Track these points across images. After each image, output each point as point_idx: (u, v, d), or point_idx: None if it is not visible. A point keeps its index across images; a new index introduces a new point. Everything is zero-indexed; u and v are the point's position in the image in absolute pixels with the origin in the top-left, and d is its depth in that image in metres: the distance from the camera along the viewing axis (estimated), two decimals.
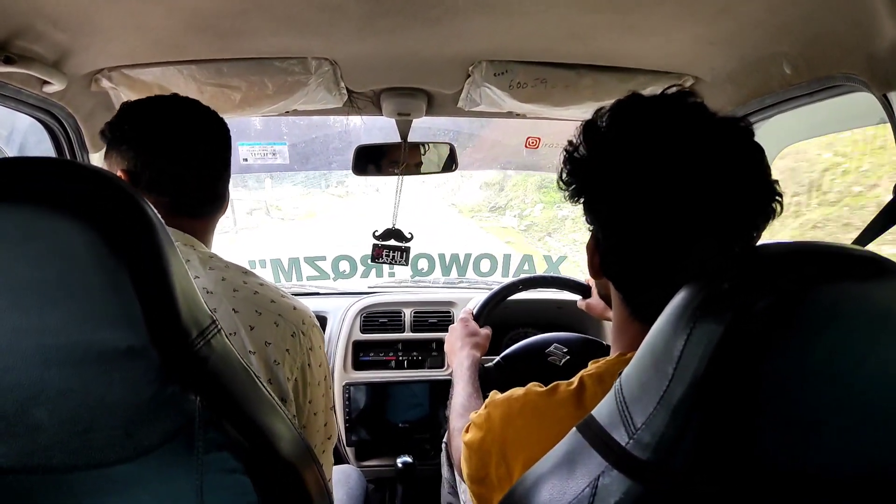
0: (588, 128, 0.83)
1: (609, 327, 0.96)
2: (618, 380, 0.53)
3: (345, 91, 1.64)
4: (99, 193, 0.50)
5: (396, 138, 1.88)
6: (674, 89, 0.82)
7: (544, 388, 0.86)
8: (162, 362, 0.51)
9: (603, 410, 0.53)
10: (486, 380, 1.43)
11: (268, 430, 0.61)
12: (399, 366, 2.24)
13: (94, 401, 0.50)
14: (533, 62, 1.50)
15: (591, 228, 0.88)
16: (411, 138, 1.89)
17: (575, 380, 0.85)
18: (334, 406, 2.13)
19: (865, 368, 0.42)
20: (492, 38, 1.35)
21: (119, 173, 1.03)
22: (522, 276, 1.83)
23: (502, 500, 0.62)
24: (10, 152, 1.64)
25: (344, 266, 3.00)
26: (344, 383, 2.17)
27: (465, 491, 1.43)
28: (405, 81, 1.64)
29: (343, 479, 1.69)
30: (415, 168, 2.01)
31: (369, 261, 2.70)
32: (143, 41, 1.32)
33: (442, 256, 3.04)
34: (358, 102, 1.74)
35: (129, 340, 0.49)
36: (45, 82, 1.30)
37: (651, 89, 1.49)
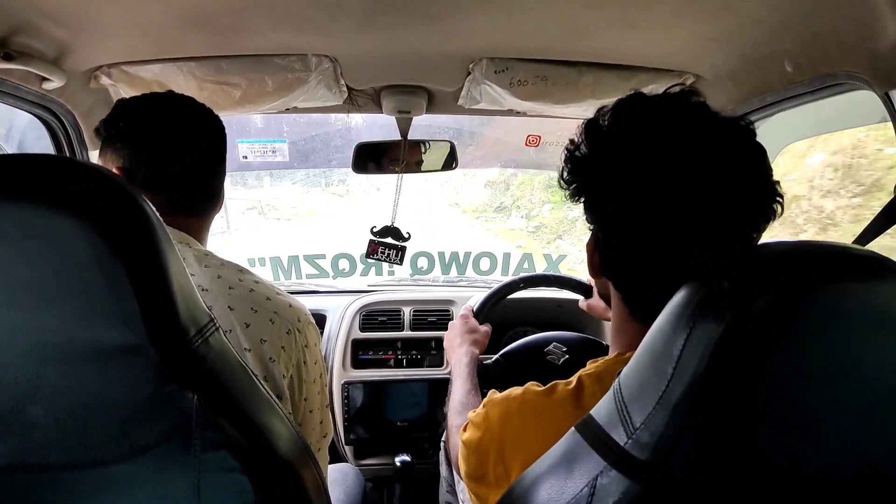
0: (590, 127, 0.83)
1: (609, 327, 0.96)
2: (617, 379, 0.53)
3: (345, 88, 1.64)
4: (98, 191, 0.49)
5: (397, 136, 1.88)
6: (676, 88, 0.81)
7: (542, 388, 0.86)
8: (160, 360, 0.51)
9: (602, 410, 0.53)
10: (485, 377, 1.43)
11: (266, 429, 0.61)
12: (398, 364, 2.24)
13: (91, 399, 0.50)
14: (533, 60, 1.50)
15: (591, 227, 0.88)
16: (412, 136, 1.89)
17: (573, 379, 0.85)
18: (331, 404, 2.14)
19: (864, 368, 0.42)
20: (492, 36, 1.35)
21: (114, 171, 1.03)
22: (523, 274, 1.83)
23: (500, 499, 0.62)
24: (9, 149, 1.64)
25: (343, 264, 3.00)
26: (343, 382, 2.17)
27: (463, 490, 1.43)
28: (405, 79, 1.64)
29: (341, 477, 1.69)
30: (415, 166, 2.01)
31: (364, 257, 2.71)
32: (142, 38, 1.32)
33: (441, 255, 3.04)
34: (358, 100, 1.74)
35: (126, 338, 0.49)
36: (45, 79, 1.29)
37: (652, 87, 1.49)
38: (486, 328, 1.58)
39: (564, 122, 1.90)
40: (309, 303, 2.32)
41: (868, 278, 0.43)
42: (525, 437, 0.83)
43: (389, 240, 2.14)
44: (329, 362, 2.20)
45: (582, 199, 0.86)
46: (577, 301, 1.65)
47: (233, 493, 0.56)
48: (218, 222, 1.21)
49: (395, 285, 2.72)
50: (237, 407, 0.59)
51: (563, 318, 2.25)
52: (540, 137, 2.27)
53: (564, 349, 1.47)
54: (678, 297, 0.48)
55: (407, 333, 2.27)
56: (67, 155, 1.53)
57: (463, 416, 1.16)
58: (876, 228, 1.05)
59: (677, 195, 0.74)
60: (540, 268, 3.33)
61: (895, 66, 0.97)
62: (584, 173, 0.85)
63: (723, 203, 0.74)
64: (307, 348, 1.10)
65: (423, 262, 2.99)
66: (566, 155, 0.86)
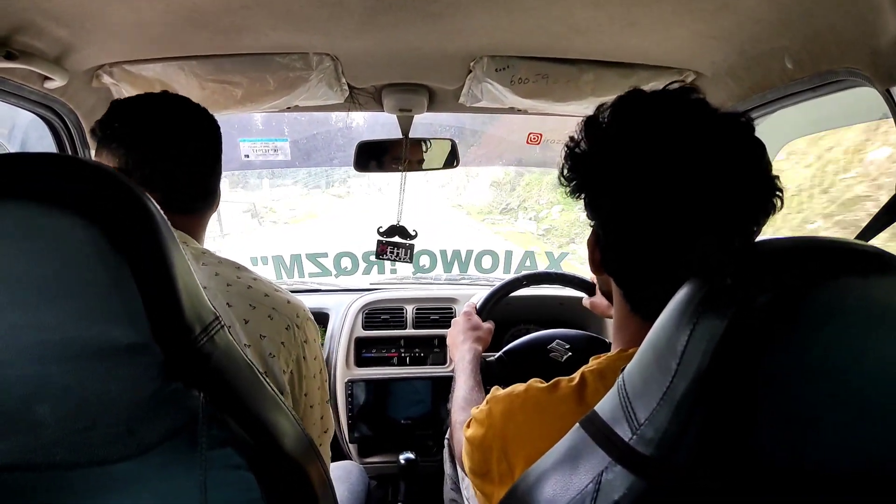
0: (589, 123, 0.84)
1: (611, 324, 0.96)
2: (621, 375, 0.53)
3: (346, 87, 1.64)
4: (101, 190, 0.49)
5: (398, 135, 1.88)
6: (675, 85, 0.82)
7: (545, 385, 0.87)
8: (165, 359, 0.51)
9: (606, 406, 0.53)
10: (488, 374, 1.43)
11: (271, 426, 0.61)
12: (401, 362, 2.24)
13: (96, 397, 0.50)
14: (534, 57, 1.50)
15: (592, 224, 0.88)
16: (413, 135, 1.89)
17: (576, 376, 0.85)
18: (334, 402, 2.14)
19: (865, 364, 0.42)
20: (493, 34, 1.35)
21: None
22: (526, 271, 1.83)
23: (506, 495, 0.62)
24: (12, 148, 1.64)
25: (346, 263, 3.00)
26: (346, 380, 2.17)
27: (467, 487, 1.43)
28: (406, 77, 1.64)
29: (344, 475, 1.69)
30: (416, 164, 2.01)
31: (372, 257, 2.70)
32: (144, 37, 1.32)
33: (444, 253, 3.04)
34: (359, 98, 1.74)
35: (131, 337, 0.49)
36: (47, 78, 1.30)
37: (652, 85, 1.48)
38: (488, 325, 1.59)
39: (570, 119, 1.90)
40: (312, 301, 2.34)
41: (870, 273, 0.43)
42: (528, 433, 0.83)
43: (397, 239, 2.14)
44: (332, 360, 2.20)
45: (582, 196, 0.86)
46: (579, 299, 1.65)
47: (239, 491, 0.56)
48: (210, 226, 1.21)
49: (398, 283, 2.72)
50: (243, 404, 0.59)
51: (566, 315, 2.25)
52: (542, 135, 2.27)
53: (567, 346, 1.47)
54: (681, 294, 0.48)
55: (410, 331, 2.27)
56: (70, 154, 1.53)
57: (466, 412, 1.16)
58: (878, 224, 1.05)
59: (677, 191, 0.75)
60: (542, 265, 3.33)
61: None
62: (584, 170, 0.85)
63: (722, 198, 0.74)
64: (306, 344, 1.11)
65: (425, 261, 3.00)
66: (566, 152, 0.86)
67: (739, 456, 0.43)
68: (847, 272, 0.43)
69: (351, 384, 2.17)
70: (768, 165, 0.78)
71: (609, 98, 0.83)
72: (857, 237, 1.04)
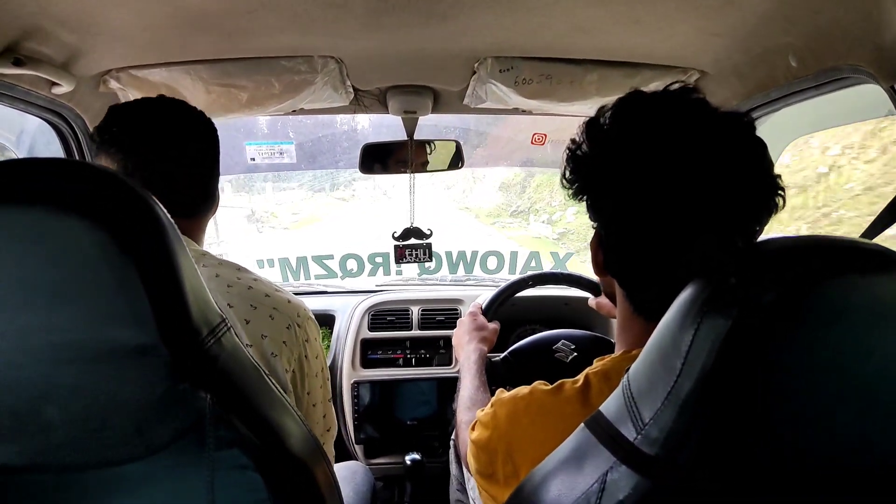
0: (590, 125, 0.84)
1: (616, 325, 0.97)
2: (625, 375, 0.53)
3: (351, 89, 1.64)
4: (108, 193, 0.50)
5: (403, 137, 1.89)
6: (676, 86, 0.82)
7: (550, 387, 0.87)
8: (172, 360, 0.51)
9: (611, 406, 0.53)
10: (493, 374, 1.43)
11: (278, 427, 0.62)
12: (407, 363, 2.25)
13: (106, 399, 0.50)
14: (538, 58, 1.50)
15: (594, 226, 0.89)
16: (418, 136, 1.90)
17: (580, 377, 0.85)
18: (341, 404, 2.14)
19: (871, 361, 0.42)
20: (497, 35, 1.35)
21: None
22: (532, 272, 1.83)
23: (511, 496, 0.62)
24: (20, 154, 1.65)
25: (351, 265, 3.01)
26: (352, 381, 2.18)
27: (473, 487, 1.44)
28: (411, 79, 1.64)
29: (349, 475, 1.70)
30: (421, 166, 2.01)
31: (378, 259, 2.70)
32: (150, 42, 1.33)
33: (449, 254, 3.04)
34: (364, 101, 1.75)
35: (139, 338, 0.50)
36: (54, 84, 1.30)
37: (656, 84, 1.48)
38: (494, 325, 1.59)
39: (575, 119, 1.90)
40: (317, 303, 2.36)
41: (874, 271, 0.43)
42: (533, 436, 0.83)
43: (413, 241, 2.14)
44: (338, 362, 2.21)
45: (584, 198, 0.87)
46: (584, 299, 1.64)
47: (246, 491, 0.56)
48: (207, 233, 1.22)
49: (403, 285, 2.73)
50: (249, 405, 0.60)
51: (572, 316, 2.25)
52: (546, 136, 2.27)
53: (573, 347, 1.47)
54: (685, 294, 0.48)
55: (415, 333, 2.28)
56: (77, 158, 1.54)
57: (472, 412, 1.16)
58: (883, 222, 1.05)
59: (678, 191, 0.75)
60: (547, 266, 3.33)
61: None
62: (586, 172, 0.85)
63: (724, 198, 0.74)
64: (308, 343, 1.11)
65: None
66: (568, 154, 0.86)
67: (745, 455, 0.43)
68: (851, 270, 0.43)
69: (357, 385, 2.17)
70: (769, 164, 0.78)
71: (613, 98, 0.83)
72: (862, 235, 1.04)
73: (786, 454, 0.43)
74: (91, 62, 1.36)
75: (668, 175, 0.75)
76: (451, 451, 1.73)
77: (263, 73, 1.50)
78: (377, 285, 2.68)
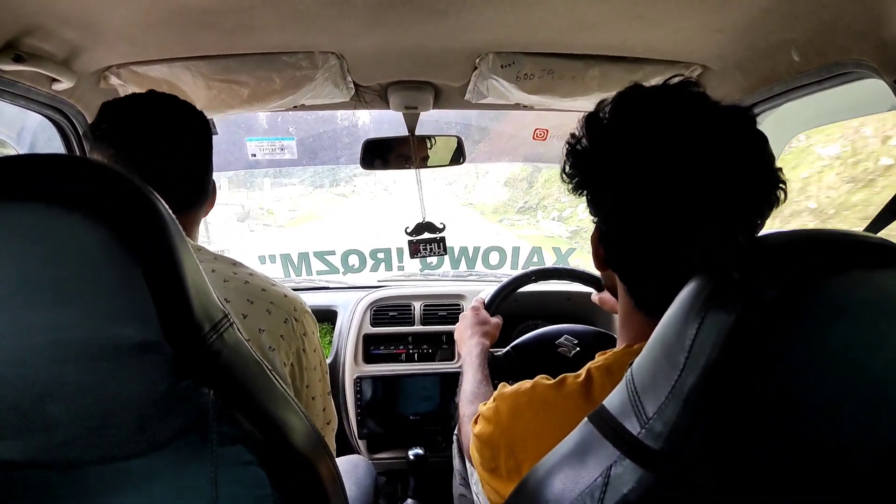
0: (590, 120, 0.84)
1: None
2: (629, 370, 0.53)
3: (352, 85, 1.64)
4: (110, 190, 0.50)
5: (404, 132, 1.89)
6: (676, 79, 0.81)
7: (552, 381, 0.87)
8: (175, 357, 0.52)
9: (614, 401, 0.53)
10: (496, 368, 1.44)
11: (281, 423, 0.62)
12: (409, 359, 2.25)
13: (109, 396, 0.50)
14: (540, 53, 1.50)
15: (595, 220, 0.88)
16: (419, 132, 1.90)
17: (582, 372, 0.85)
18: (343, 399, 2.15)
19: (879, 356, 0.42)
20: (499, 30, 1.35)
21: None
22: (535, 267, 1.83)
23: (515, 490, 0.62)
24: (21, 150, 1.65)
25: (353, 260, 3.02)
26: (355, 377, 2.18)
27: (476, 482, 1.44)
28: (412, 75, 1.64)
29: (351, 469, 1.70)
30: (422, 161, 2.01)
31: (380, 255, 2.69)
32: (151, 38, 1.33)
33: (451, 249, 3.04)
34: (365, 96, 1.74)
35: (142, 335, 0.50)
36: (55, 80, 1.30)
37: (658, 79, 1.48)
38: (496, 320, 1.59)
39: (577, 114, 1.90)
40: (319, 299, 2.36)
41: (879, 266, 0.43)
42: (536, 430, 0.84)
43: (426, 235, 2.14)
44: (341, 357, 2.21)
45: (585, 193, 0.86)
46: (587, 294, 1.64)
47: (250, 487, 0.56)
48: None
49: (405, 280, 2.73)
50: (252, 401, 0.60)
51: (574, 310, 2.25)
52: (548, 131, 2.26)
53: (576, 342, 1.47)
54: (689, 289, 0.48)
55: (418, 328, 2.28)
56: (78, 155, 1.54)
57: (474, 405, 1.17)
58: (887, 216, 1.05)
59: (678, 185, 0.75)
60: (550, 261, 3.33)
61: None
62: (586, 167, 0.85)
63: (724, 192, 0.74)
64: (305, 336, 1.12)
65: (430, 258, 3.01)
66: (567, 149, 0.86)
67: (749, 450, 0.43)
68: (855, 265, 0.42)
69: (360, 381, 2.18)
70: (770, 158, 0.78)
71: (615, 93, 0.83)
72: (866, 229, 1.04)
73: (789, 449, 0.43)
74: (92, 58, 1.36)
75: (668, 169, 0.75)
76: (454, 445, 1.73)
77: (264, 69, 1.50)
78: (379, 281, 2.68)
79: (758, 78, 1.38)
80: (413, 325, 2.29)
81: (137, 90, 1.46)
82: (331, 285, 2.66)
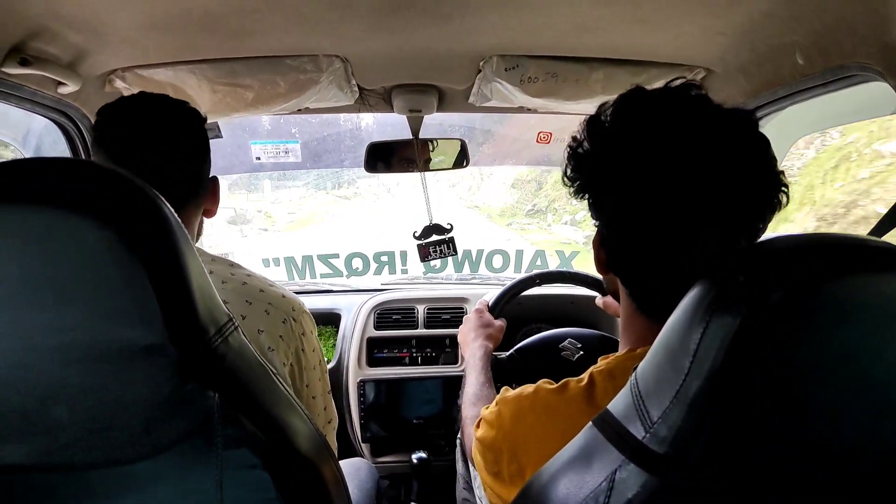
0: (591, 123, 0.83)
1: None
2: (633, 374, 0.53)
3: (356, 88, 1.64)
4: (114, 192, 0.50)
5: (408, 135, 1.89)
6: (678, 82, 0.81)
7: (554, 386, 0.87)
8: (180, 359, 0.52)
9: (619, 405, 0.53)
10: (499, 371, 1.43)
11: (285, 426, 0.62)
12: (413, 362, 2.25)
13: (114, 398, 0.50)
14: (544, 56, 1.50)
15: (596, 224, 0.88)
16: (423, 135, 1.90)
17: (585, 376, 0.85)
18: (347, 402, 2.15)
19: (883, 361, 0.42)
20: (502, 33, 1.35)
21: None
22: (539, 270, 1.83)
23: (519, 494, 0.62)
24: (27, 153, 1.66)
25: (357, 263, 3.02)
26: (358, 380, 2.18)
27: (479, 486, 1.44)
28: (416, 78, 1.64)
29: (353, 472, 1.70)
30: (426, 164, 2.01)
31: (384, 258, 2.70)
32: (156, 41, 1.33)
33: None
34: (369, 99, 1.75)
35: (147, 338, 0.50)
36: (60, 83, 1.31)
37: (661, 82, 1.48)
38: (500, 323, 1.59)
39: (581, 118, 1.90)
40: (323, 302, 2.36)
41: (883, 269, 0.43)
42: (538, 435, 0.83)
43: (434, 237, 2.14)
44: (344, 361, 2.21)
45: (586, 196, 0.86)
46: (591, 298, 1.64)
47: (254, 490, 0.56)
48: None
49: (409, 284, 2.73)
50: (257, 404, 0.60)
51: (578, 314, 2.25)
52: (551, 134, 2.26)
53: (579, 345, 1.47)
54: (693, 292, 0.48)
55: (421, 331, 2.28)
56: (83, 158, 1.55)
57: (477, 408, 1.17)
58: (892, 220, 1.04)
59: (679, 189, 0.74)
60: (553, 265, 3.32)
61: None
62: (587, 170, 0.85)
63: (725, 195, 0.74)
64: (304, 336, 1.13)
65: (436, 261, 3.01)
66: (569, 152, 0.86)
67: (753, 454, 0.43)
68: (860, 269, 0.42)
69: (363, 384, 2.18)
70: (772, 161, 0.78)
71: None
72: (871, 233, 1.04)
73: (792, 453, 0.43)
74: (97, 62, 1.36)
75: (669, 172, 0.75)
76: (458, 449, 1.73)
77: (269, 73, 1.51)
78: (382, 284, 2.68)
79: (761, 81, 1.37)
80: (416, 328, 2.29)
81: None
82: (334, 288, 2.67)
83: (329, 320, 2.34)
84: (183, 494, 0.55)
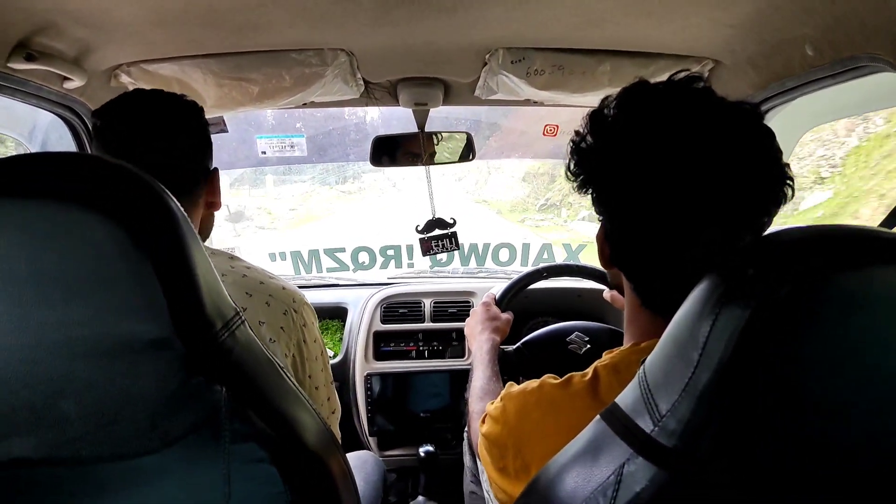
0: (594, 117, 0.83)
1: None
2: (642, 367, 0.53)
3: (361, 82, 1.64)
4: (122, 187, 0.50)
5: (413, 129, 1.89)
6: (682, 74, 0.81)
7: (559, 380, 0.87)
8: (187, 353, 0.52)
9: (627, 398, 0.53)
10: (506, 365, 1.43)
11: (293, 420, 0.62)
12: (420, 356, 2.26)
13: (121, 392, 0.50)
14: (550, 49, 1.49)
15: (600, 218, 0.88)
16: (429, 128, 1.90)
17: (589, 371, 0.85)
18: (354, 396, 2.16)
19: (893, 353, 0.41)
20: (508, 26, 1.34)
21: None
22: (546, 263, 1.83)
23: (526, 488, 0.62)
24: (33, 148, 1.66)
25: (363, 257, 3.02)
26: (365, 374, 2.19)
27: (486, 479, 1.44)
28: (422, 71, 1.64)
29: (360, 465, 1.71)
30: (432, 158, 2.01)
31: (390, 252, 2.70)
32: (162, 36, 1.33)
33: (461, 246, 3.04)
34: (375, 93, 1.74)
35: (154, 332, 0.50)
36: (66, 78, 1.31)
37: (668, 74, 1.48)
38: (507, 316, 1.59)
39: (587, 110, 1.89)
40: (330, 296, 2.37)
41: (893, 261, 0.42)
42: (543, 430, 0.83)
43: (437, 231, 2.14)
44: (351, 354, 2.22)
45: (589, 191, 0.86)
46: (598, 291, 1.64)
47: (262, 484, 0.57)
48: None
49: (415, 277, 2.73)
50: (264, 399, 0.60)
51: (585, 308, 2.25)
52: (558, 127, 2.26)
53: (587, 339, 1.47)
54: (703, 285, 0.47)
55: (428, 325, 2.28)
56: (89, 153, 1.55)
57: (484, 402, 1.17)
58: None
59: (682, 183, 0.74)
60: (560, 258, 3.32)
61: None
62: (591, 164, 0.84)
63: (729, 188, 0.74)
64: (305, 327, 1.13)
65: (442, 254, 3.02)
66: (572, 147, 0.86)
67: (762, 447, 0.43)
68: (871, 261, 0.42)
69: (370, 378, 2.18)
70: (777, 153, 0.77)
71: None
72: (881, 225, 1.03)
73: (805, 446, 0.43)
74: (102, 57, 1.37)
75: (673, 166, 0.74)
76: (465, 442, 1.73)
77: (274, 67, 1.51)
78: (389, 278, 2.69)
79: (770, 73, 1.37)
80: (423, 321, 2.29)
81: (148, 88, 1.46)
82: (341, 282, 2.67)
83: (336, 314, 2.34)
84: (189, 488, 0.55)
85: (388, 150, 1.99)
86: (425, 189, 2.16)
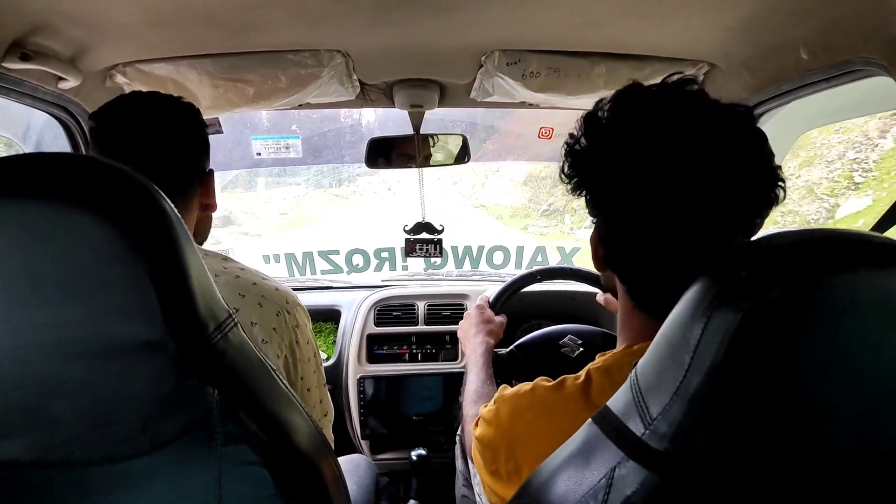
0: (588, 119, 0.84)
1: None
2: (633, 370, 0.53)
3: (357, 83, 1.64)
4: (116, 188, 0.50)
5: (409, 131, 1.89)
6: (675, 77, 0.81)
7: (552, 383, 0.87)
8: (180, 356, 0.52)
9: (618, 401, 0.53)
10: (500, 367, 1.43)
11: (285, 423, 0.62)
12: (413, 359, 2.25)
13: (113, 394, 0.50)
14: (546, 51, 1.49)
15: (594, 221, 0.88)
16: (424, 130, 1.89)
17: (582, 373, 0.85)
18: (347, 398, 2.15)
19: (883, 357, 0.41)
20: (505, 28, 1.35)
21: None
22: (540, 266, 1.83)
23: (518, 491, 0.62)
24: (27, 149, 1.66)
25: (357, 260, 3.02)
26: (358, 376, 2.18)
27: (479, 483, 1.44)
28: (417, 73, 1.64)
29: (352, 468, 1.70)
30: (427, 160, 2.01)
31: (384, 254, 2.70)
32: (157, 36, 1.33)
33: (455, 249, 3.04)
34: (370, 94, 1.74)
35: (147, 334, 0.50)
36: (61, 78, 1.30)
37: (663, 77, 1.48)
38: (501, 319, 1.59)
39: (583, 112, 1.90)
40: (323, 298, 2.37)
41: (886, 266, 0.42)
42: (536, 433, 0.84)
43: (424, 235, 2.14)
44: (344, 357, 2.22)
45: (583, 193, 0.86)
46: (592, 294, 1.64)
47: (254, 487, 0.56)
48: None
49: (409, 280, 2.73)
50: (257, 401, 0.60)
51: (578, 311, 2.25)
52: (553, 129, 2.26)
53: (580, 342, 1.47)
54: (695, 288, 0.47)
55: (421, 328, 2.28)
56: (84, 153, 1.54)
57: (477, 406, 1.17)
58: (894, 215, 1.04)
59: (675, 185, 0.75)
60: (553, 261, 3.32)
61: None
62: (585, 166, 0.85)
63: (721, 190, 0.74)
64: (298, 329, 1.13)
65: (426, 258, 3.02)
66: (566, 149, 0.86)
67: (754, 450, 0.43)
68: (861, 264, 0.42)
69: (363, 380, 2.18)
70: (769, 156, 0.78)
71: None
72: (873, 229, 1.04)
73: (795, 450, 0.43)
74: (98, 57, 1.36)
75: (665, 168, 0.75)
76: (457, 446, 1.73)
77: (270, 68, 1.50)
78: (383, 280, 2.69)
79: (765, 76, 1.37)
80: (417, 324, 2.29)
81: (143, 88, 1.46)
82: (335, 285, 2.67)
83: (329, 317, 2.34)
84: (181, 491, 0.55)
85: (384, 152, 1.99)
86: (415, 195, 2.16)
